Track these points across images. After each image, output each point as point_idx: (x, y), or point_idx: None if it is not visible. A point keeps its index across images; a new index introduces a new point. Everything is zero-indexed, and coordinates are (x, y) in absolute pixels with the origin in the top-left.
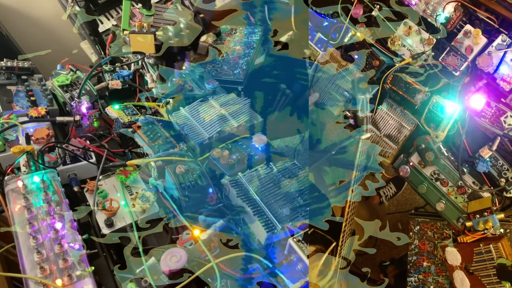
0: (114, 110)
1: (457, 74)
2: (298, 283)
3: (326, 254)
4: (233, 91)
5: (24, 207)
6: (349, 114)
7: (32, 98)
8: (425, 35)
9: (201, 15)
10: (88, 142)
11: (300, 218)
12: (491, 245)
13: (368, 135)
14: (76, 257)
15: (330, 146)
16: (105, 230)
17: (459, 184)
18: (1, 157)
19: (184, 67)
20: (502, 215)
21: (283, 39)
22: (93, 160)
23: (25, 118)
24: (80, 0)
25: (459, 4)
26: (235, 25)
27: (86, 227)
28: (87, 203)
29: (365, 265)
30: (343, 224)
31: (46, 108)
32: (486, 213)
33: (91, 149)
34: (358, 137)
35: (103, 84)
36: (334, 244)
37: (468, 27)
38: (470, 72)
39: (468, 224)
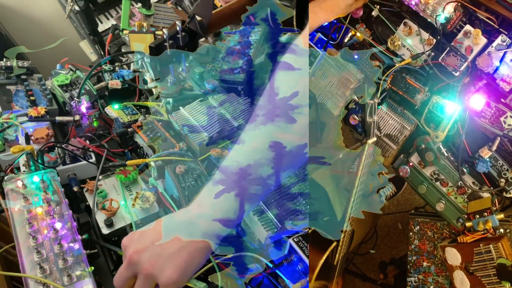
0: (113, 110)
1: (457, 74)
2: (299, 283)
3: (326, 254)
4: (233, 91)
5: (24, 207)
6: (357, 119)
7: (31, 98)
8: (425, 35)
9: (199, 19)
10: (87, 142)
11: (301, 217)
12: (491, 245)
13: (375, 139)
14: (75, 257)
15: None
16: (105, 230)
17: (459, 184)
18: (0, 157)
19: (180, 69)
20: (502, 215)
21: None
22: (93, 160)
23: (25, 118)
24: None
25: (459, 4)
26: (235, 25)
27: (86, 227)
28: (87, 203)
29: (365, 265)
30: (345, 225)
31: (45, 108)
32: (486, 213)
33: (90, 149)
34: (364, 140)
35: (102, 83)
36: (334, 244)
37: (468, 27)
38: (470, 72)
39: (468, 224)
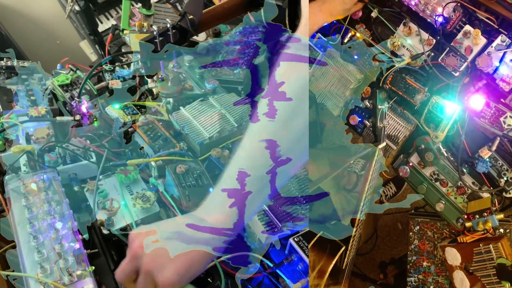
0: (114, 110)
1: (456, 74)
2: (299, 283)
3: (336, 258)
4: (233, 91)
5: (25, 206)
6: (368, 124)
7: (32, 98)
8: (425, 35)
9: (190, 17)
10: (88, 141)
11: (301, 218)
12: (491, 245)
13: (384, 144)
14: (76, 256)
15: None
16: (105, 230)
17: (459, 184)
18: (1, 157)
19: (171, 65)
20: (501, 215)
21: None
22: (93, 159)
23: (25, 118)
24: None
25: (459, 4)
26: (234, 24)
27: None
28: (87, 203)
29: (365, 265)
30: (354, 229)
31: (46, 108)
32: (485, 214)
33: (91, 149)
34: (375, 144)
35: (103, 83)
36: (343, 249)
37: (467, 27)
38: (469, 72)
39: (468, 224)
